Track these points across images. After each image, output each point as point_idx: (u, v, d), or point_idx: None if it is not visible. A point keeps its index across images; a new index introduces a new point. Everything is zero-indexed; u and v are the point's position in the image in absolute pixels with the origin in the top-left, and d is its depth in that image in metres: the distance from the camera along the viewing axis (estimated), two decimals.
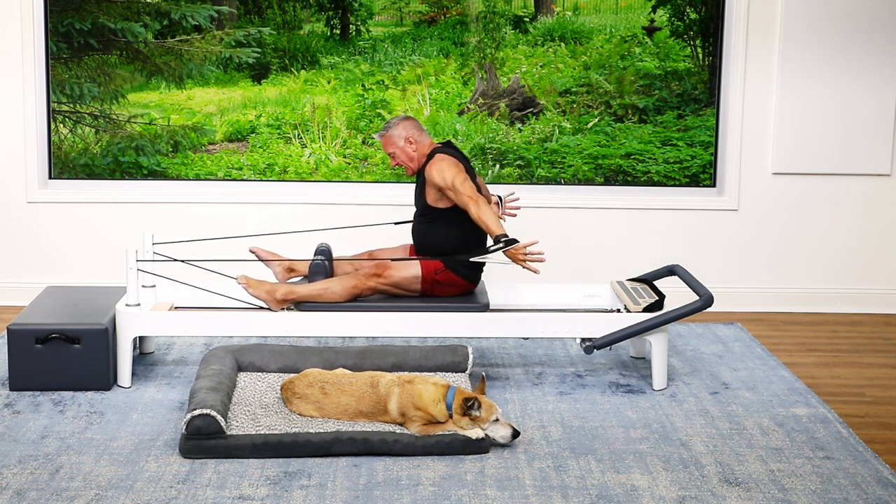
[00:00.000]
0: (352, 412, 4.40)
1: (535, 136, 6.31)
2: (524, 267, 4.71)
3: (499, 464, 4.11)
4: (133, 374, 4.97)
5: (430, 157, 4.99)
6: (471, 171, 5.04)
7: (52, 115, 6.21)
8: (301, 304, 4.94)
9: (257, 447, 4.12)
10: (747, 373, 5.22)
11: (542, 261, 4.73)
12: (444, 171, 4.89)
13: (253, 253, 5.22)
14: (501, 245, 4.72)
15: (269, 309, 4.94)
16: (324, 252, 5.14)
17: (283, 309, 4.93)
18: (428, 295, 5.01)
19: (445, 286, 4.99)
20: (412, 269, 4.97)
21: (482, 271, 5.11)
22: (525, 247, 4.71)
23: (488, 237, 4.97)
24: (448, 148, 5.05)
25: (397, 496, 3.83)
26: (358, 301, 4.96)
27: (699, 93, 6.29)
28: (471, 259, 4.87)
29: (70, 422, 4.47)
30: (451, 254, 4.98)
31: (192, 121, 6.28)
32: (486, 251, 4.81)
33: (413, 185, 5.48)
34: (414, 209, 5.18)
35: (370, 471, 4.02)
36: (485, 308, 4.95)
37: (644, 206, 6.32)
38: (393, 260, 5.04)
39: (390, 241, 5.59)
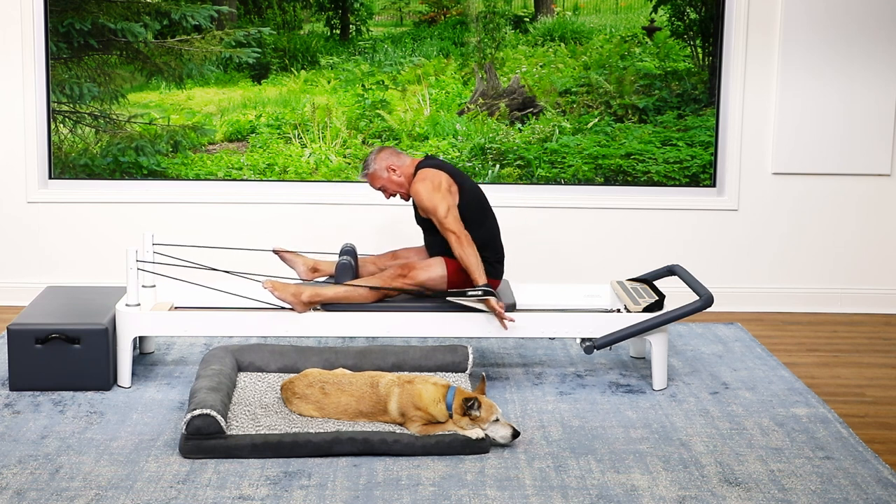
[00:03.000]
0: (352, 412, 4.40)
1: (535, 136, 6.31)
2: (499, 319, 4.82)
3: (499, 464, 4.11)
4: (133, 374, 4.97)
5: (414, 174, 5.00)
6: (457, 175, 5.01)
7: (52, 115, 6.21)
8: (327, 306, 4.93)
9: (257, 447, 4.12)
10: (747, 373, 5.22)
11: (511, 320, 4.83)
12: (424, 196, 4.87)
13: (276, 254, 5.20)
14: (479, 294, 4.77)
15: (293, 310, 4.91)
16: (349, 252, 5.13)
17: (309, 310, 4.92)
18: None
19: (471, 286, 4.98)
20: (437, 269, 4.95)
21: (503, 266, 5.11)
22: (500, 305, 4.81)
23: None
24: (429, 160, 5.04)
25: (397, 496, 3.83)
26: (383, 302, 4.94)
27: (699, 93, 6.29)
28: (448, 298, 4.85)
29: (70, 422, 4.47)
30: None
31: (192, 121, 6.28)
32: (464, 295, 4.82)
33: None
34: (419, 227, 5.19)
35: (370, 471, 4.02)
36: (511, 308, 4.94)
37: (644, 206, 6.31)
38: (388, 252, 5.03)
39: (411, 241, 5.61)
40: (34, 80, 6.12)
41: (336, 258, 5.31)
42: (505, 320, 4.82)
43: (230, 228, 6.23)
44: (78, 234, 6.27)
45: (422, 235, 5.18)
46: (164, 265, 5.25)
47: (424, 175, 4.93)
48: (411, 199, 5.06)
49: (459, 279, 4.95)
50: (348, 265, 5.02)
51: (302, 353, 4.95)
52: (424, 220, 5.03)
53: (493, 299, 4.78)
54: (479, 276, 4.81)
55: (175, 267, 5.29)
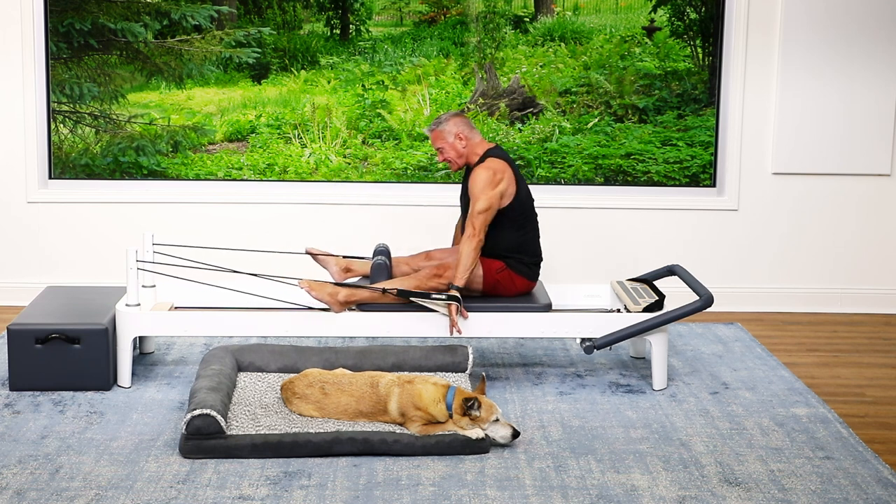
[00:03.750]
0: (352, 412, 4.40)
1: (535, 136, 6.31)
2: (450, 322, 4.82)
3: (499, 464, 4.11)
4: (133, 374, 4.97)
5: (482, 159, 4.98)
6: (518, 175, 5.00)
7: (52, 115, 6.21)
8: (364, 305, 4.93)
9: (257, 447, 4.12)
10: (747, 373, 5.22)
11: (460, 332, 4.84)
12: (479, 184, 4.87)
13: (309, 253, 5.20)
14: (444, 299, 4.79)
15: (329, 310, 4.91)
16: (383, 252, 5.14)
17: (345, 310, 4.92)
18: (489, 294, 5.00)
19: (506, 286, 4.99)
20: (473, 269, 4.96)
21: (540, 268, 5.11)
22: (459, 312, 4.81)
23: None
24: (500, 151, 5.02)
25: (397, 496, 3.83)
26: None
27: (699, 93, 6.29)
28: (411, 299, 4.85)
29: (70, 422, 4.47)
30: (504, 257, 4.98)
31: (192, 121, 6.28)
32: (428, 297, 4.83)
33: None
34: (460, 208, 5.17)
35: (370, 471, 4.02)
36: (547, 308, 4.94)
37: (644, 206, 6.31)
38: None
39: (408, 242, 5.63)
40: (34, 80, 6.12)
41: (354, 259, 5.32)
42: (454, 327, 4.82)
43: (230, 228, 6.22)
44: (78, 234, 6.27)
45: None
46: (170, 265, 5.24)
47: (493, 165, 4.93)
48: (463, 176, 5.07)
49: (494, 280, 4.96)
50: (384, 265, 5.03)
51: (302, 353, 4.95)
52: (468, 203, 5.03)
53: (454, 305, 4.80)
54: (461, 278, 4.82)
55: (179, 267, 5.29)
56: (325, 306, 4.93)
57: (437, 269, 4.96)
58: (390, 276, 5.07)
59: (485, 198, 4.86)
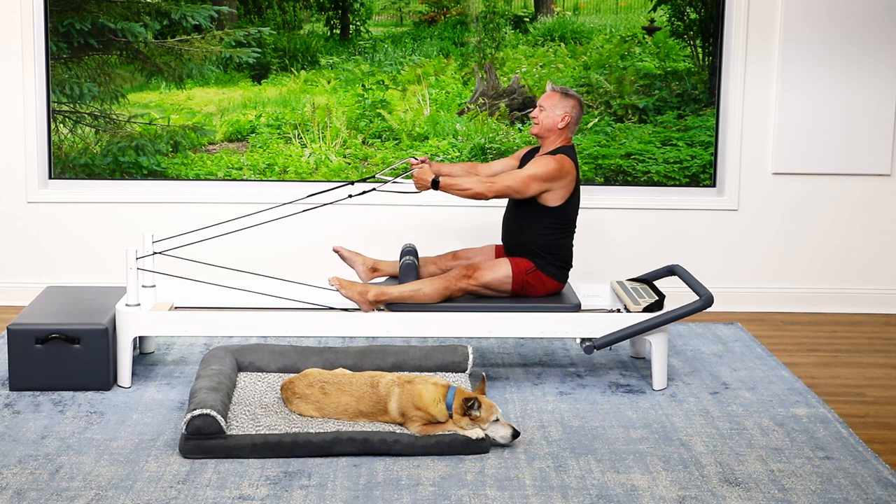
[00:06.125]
0: (352, 412, 4.40)
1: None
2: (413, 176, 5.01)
3: (499, 464, 4.11)
4: (133, 374, 4.97)
5: (557, 151, 4.98)
6: (577, 182, 5.00)
7: (52, 115, 6.21)
8: (392, 305, 4.93)
9: (257, 447, 4.12)
10: (747, 373, 5.22)
11: (414, 163, 5.11)
12: (539, 170, 4.88)
13: (336, 252, 5.21)
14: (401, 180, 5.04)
15: (359, 310, 4.92)
16: (411, 252, 5.14)
17: (374, 310, 4.92)
18: (518, 295, 5.00)
19: (535, 287, 4.99)
20: (502, 270, 4.96)
21: (568, 272, 5.11)
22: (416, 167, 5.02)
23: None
24: (574, 153, 5.03)
25: (397, 496, 3.83)
26: (448, 302, 4.95)
27: (699, 93, 6.29)
28: (377, 176, 5.03)
29: (70, 422, 4.47)
30: (536, 255, 4.99)
31: (192, 121, 6.28)
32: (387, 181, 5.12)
33: None
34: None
35: (370, 471, 4.03)
36: (576, 308, 4.95)
37: (644, 206, 6.31)
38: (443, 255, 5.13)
39: (475, 241, 5.62)
40: (34, 80, 6.12)
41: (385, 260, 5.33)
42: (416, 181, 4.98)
43: (229, 228, 6.21)
44: (78, 234, 6.27)
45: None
46: (172, 256, 5.24)
47: (564, 165, 4.92)
48: (527, 153, 5.14)
49: (524, 280, 4.97)
50: (413, 265, 5.03)
51: (302, 353, 4.95)
52: None
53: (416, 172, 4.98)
54: (446, 184, 4.89)
55: (181, 268, 5.28)
56: (355, 305, 4.93)
57: (467, 269, 4.97)
58: (418, 277, 5.06)
59: (527, 182, 4.88)
